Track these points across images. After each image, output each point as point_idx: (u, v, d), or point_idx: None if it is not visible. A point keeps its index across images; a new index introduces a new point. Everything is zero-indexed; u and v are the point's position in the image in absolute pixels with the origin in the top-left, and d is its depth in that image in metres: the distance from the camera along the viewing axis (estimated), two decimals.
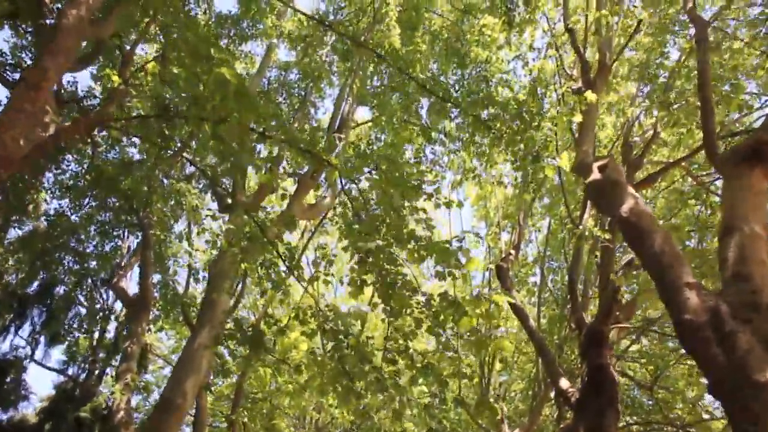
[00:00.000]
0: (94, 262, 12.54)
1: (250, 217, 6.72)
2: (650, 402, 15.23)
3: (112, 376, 11.31)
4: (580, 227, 7.87)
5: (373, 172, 5.29)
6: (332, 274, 5.51)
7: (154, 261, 11.61)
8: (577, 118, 6.62)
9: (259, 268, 6.93)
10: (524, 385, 19.43)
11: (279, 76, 14.58)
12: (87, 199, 12.16)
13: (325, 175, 7.97)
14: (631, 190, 5.34)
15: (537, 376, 15.53)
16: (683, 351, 14.01)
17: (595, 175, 5.71)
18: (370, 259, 4.51)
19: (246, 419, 12.43)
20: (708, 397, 15.52)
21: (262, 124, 5.10)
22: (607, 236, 7.83)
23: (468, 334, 4.31)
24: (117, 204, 11.83)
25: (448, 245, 4.45)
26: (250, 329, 6.21)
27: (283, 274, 7.04)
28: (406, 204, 5.08)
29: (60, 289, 13.27)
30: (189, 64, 5.01)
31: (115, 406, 7.80)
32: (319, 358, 6.01)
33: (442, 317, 4.74)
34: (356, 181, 5.41)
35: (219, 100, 4.41)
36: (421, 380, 4.93)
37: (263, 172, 5.81)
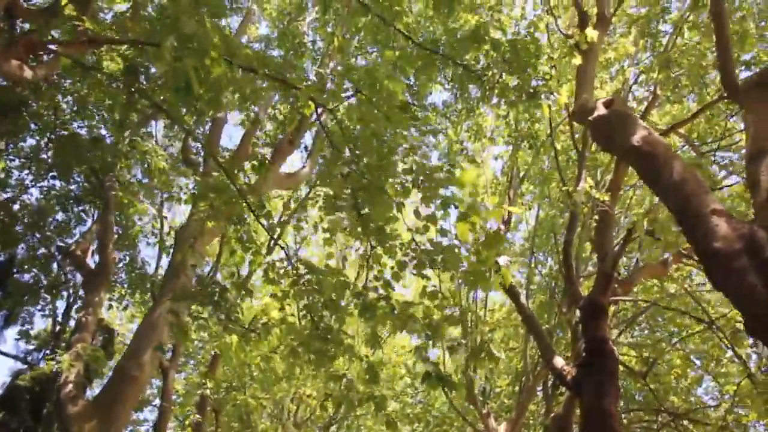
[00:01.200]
0: (58, 239, 11.68)
1: (220, 165, 6.07)
2: (640, 396, 14.79)
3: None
4: (578, 188, 7.32)
5: (353, 98, 4.65)
6: (305, 220, 4.83)
7: (120, 236, 10.80)
8: (576, 60, 6.07)
9: (228, 225, 6.26)
10: (510, 380, 18.93)
11: (259, 49, 13.91)
12: (50, 171, 11.32)
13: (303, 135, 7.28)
14: (642, 122, 4.77)
15: (525, 368, 15.03)
16: (675, 341, 13.67)
17: (600, 111, 5.14)
18: (347, 188, 3.86)
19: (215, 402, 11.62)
20: (699, 390, 15.15)
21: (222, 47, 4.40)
22: (606, 198, 7.27)
23: (465, 263, 3.67)
24: (82, 175, 11.00)
25: (439, 170, 3.81)
26: (214, 286, 5.53)
27: (254, 234, 6.40)
28: (391, 132, 4.42)
29: (23, 276, 12.39)
30: None
31: (63, 379, 7.02)
32: (291, 317, 5.34)
33: (430, 257, 4.11)
34: (334, 110, 4.77)
35: None
36: (405, 332, 4.27)
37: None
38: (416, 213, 3.82)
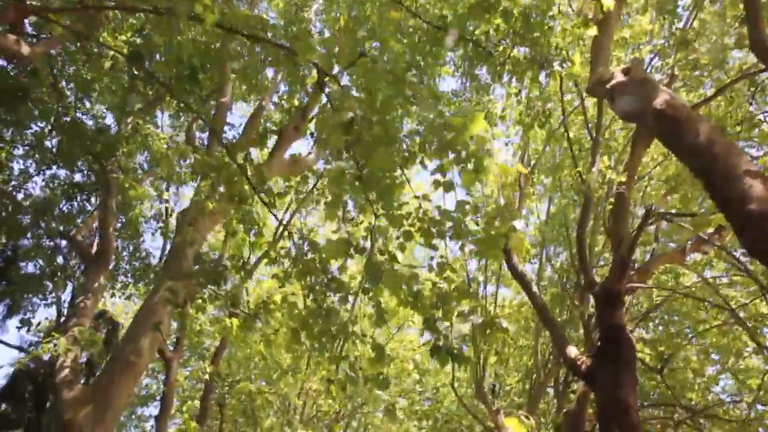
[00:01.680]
0: (61, 227, 11.52)
1: (222, 144, 5.88)
2: (655, 394, 14.41)
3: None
4: (593, 170, 7.02)
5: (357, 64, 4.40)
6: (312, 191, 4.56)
7: (124, 225, 10.63)
8: (592, 31, 5.79)
9: (230, 205, 6.06)
10: (520, 377, 18.63)
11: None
12: (54, 160, 11.17)
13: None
14: (663, 87, 4.49)
15: (536, 364, 14.74)
16: (692, 335, 13.29)
17: (619, 78, 4.86)
18: (347, 138, 3.61)
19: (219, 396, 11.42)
20: (717, 388, 14.73)
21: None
22: (622, 179, 6.96)
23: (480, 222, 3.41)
24: (86, 164, 10.84)
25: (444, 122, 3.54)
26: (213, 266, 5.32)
27: (255, 214, 6.19)
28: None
29: (27, 265, 12.25)
30: None
31: (59, 363, 6.84)
32: (292, 297, 5.10)
33: (438, 226, 3.85)
34: (336, 77, 4.53)
35: None
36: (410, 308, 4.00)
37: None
38: (422, 164, 3.55)
